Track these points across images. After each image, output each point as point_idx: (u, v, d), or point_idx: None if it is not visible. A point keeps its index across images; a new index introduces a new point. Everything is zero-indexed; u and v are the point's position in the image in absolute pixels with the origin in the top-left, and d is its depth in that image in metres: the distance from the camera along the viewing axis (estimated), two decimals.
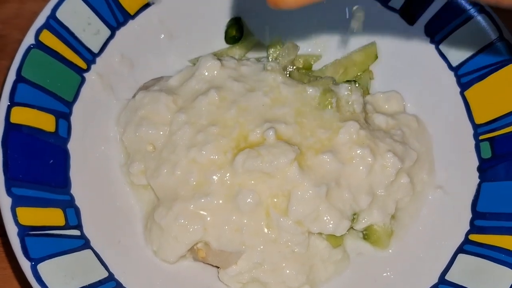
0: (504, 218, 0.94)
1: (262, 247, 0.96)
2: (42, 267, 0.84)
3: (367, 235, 1.03)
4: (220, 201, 0.96)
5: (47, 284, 0.83)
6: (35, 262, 0.84)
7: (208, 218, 0.96)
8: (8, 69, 0.97)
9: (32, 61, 0.96)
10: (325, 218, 0.94)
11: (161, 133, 1.02)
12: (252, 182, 0.95)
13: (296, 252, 0.97)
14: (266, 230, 0.96)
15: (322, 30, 1.17)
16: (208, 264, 1.00)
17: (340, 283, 1.00)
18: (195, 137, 0.99)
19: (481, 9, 1.05)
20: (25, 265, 0.84)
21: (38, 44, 0.97)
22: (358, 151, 0.98)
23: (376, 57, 1.15)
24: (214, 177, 0.96)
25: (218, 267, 0.99)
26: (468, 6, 1.05)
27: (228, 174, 0.96)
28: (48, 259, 0.85)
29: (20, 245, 0.85)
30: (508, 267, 0.89)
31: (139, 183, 1.04)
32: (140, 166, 1.02)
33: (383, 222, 1.01)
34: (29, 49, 0.96)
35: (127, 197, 1.03)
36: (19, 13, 1.30)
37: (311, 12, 1.16)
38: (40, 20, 0.99)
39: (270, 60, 1.16)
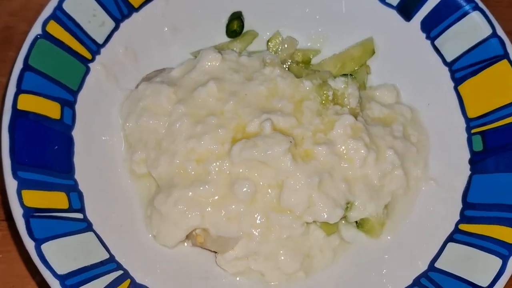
0: (493, 209, 0.97)
1: (258, 234, 0.99)
2: (45, 247, 0.87)
3: (360, 224, 1.06)
4: (218, 190, 0.99)
5: (50, 263, 0.86)
6: (39, 242, 0.87)
7: (206, 206, 0.99)
8: (15, 59, 1.00)
9: (39, 50, 0.99)
10: (318, 207, 0.97)
11: (162, 123, 1.06)
12: (248, 171, 0.98)
13: (292, 240, 1.00)
14: (262, 218, 0.99)
15: (321, 25, 1.20)
16: (206, 249, 1.03)
17: (333, 270, 1.03)
18: (194, 128, 1.02)
19: (475, 6, 1.07)
20: (30, 245, 0.87)
21: (45, 34, 1.00)
22: (353, 144, 1.01)
23: (373, 52, 1.18)
24: (212, 166, 0.99)
25: (215, 252, 1.02)
26: (463, 3, 1.08)
27: (226, 164, 0.99)
28: (51, 240, 0.88)
29: (25, 226, 0.88)
30: (496, 255, 0.92)
31: (140, 172, 1.07)
32: (141, 155, 1.06)
33: (376, 212, 1.03)
34: (36, 39, 1.00)
35: (129, 183, 1.06)
36: (26, 5, 1.33)
37: (310, 7, 1.19)
38: (47, 11, 1.02)
39: (270, 53, 1.18)
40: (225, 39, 1.21)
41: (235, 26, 1.20)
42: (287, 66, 1.17)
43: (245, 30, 1.21)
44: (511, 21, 1.34)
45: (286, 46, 1.18)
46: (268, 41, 1.20)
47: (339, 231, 1.07)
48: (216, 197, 0.99)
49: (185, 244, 1.04)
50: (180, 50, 1.18)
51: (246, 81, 1.08)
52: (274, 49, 1.19)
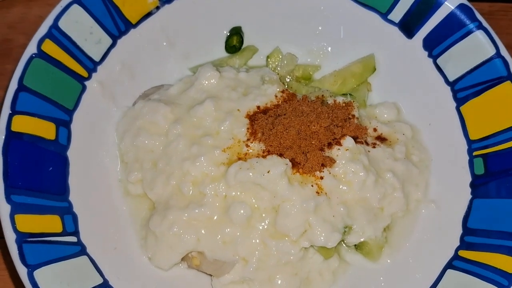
0: (493, 236, 0.95)
1: (255, 258, 0.98)
2: (38, 274, 0.86)
3: (359, 246, 1.04)
4: (214, 213, 0.98)
5: None
6: (31, 269, 0.86)
7: (202, 229, 0.98)
8: (13, 72, 0.99)
9: (34, 70, 0.98)
10: (315, 231, 0.96)
11: (158, 143, 1.04)
12: (245, 194, 0.97)
13: (289, 264, 0.99)
14: (260, 244, 0.98)
15: (321, 41, 1.18)
16: (202, 271, 1.02)
17: None
18: (190, 149, 1.01)
19: (479, 25, 1.05)
20: (22, 271, 0.86)
21: (40, 54, 0.99)
22: (351, 166, 0.99)
23: (374, 69, 1.17)
24: (208, 189, 0.98)
25: (211, 275, 1.01)
26: (467, 22, 1.06)
27: (221, 186, 0.98)
28: (44, 266, 0.88)
29: (17, 251, 0.87)
30: (494, 285, 0.91)
31: (135, 192, 1.06)
32: (137, 176, 1.04)
33: (374, 235, 1.02)
34: (31, 59, 0.98)
35: (124, 204, 1.05)
36: (25, 17, 1.33)
37: (311, 23, 1.18)
38: (43, 29, 1.01)
39: (269, 69, 1.17)
40: (224, 54, 1.20)
41: (235, 41, 1.19)
42: (286, 84, 1.16)
43: (244, 45, 1.20)
44: None
45: (285, 62, 1.17)
46: (267, 57, 1.19)
47: (339, 252, 1.05)
48: (212, 220, 0.98)
49: (181, 265, 1.03)
50: (178, 66, 1.17)
51: (242, 96, 1.07)
52: (273, 66, 1.18)
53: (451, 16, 1.07)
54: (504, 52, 1.03)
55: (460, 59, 1.06)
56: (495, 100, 1.03)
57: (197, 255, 1.00)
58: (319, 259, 1.02)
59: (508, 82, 1.02)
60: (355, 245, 1.05)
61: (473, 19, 1.05)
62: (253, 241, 0.97)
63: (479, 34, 1.05)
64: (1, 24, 1.32)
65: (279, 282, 0.99)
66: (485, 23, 1.05)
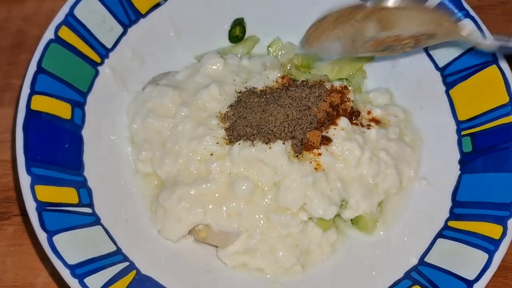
0: (480, 207, 1.02)
1: (258, 230, 1.04)
2: (57, 239, 0.92)
3: (355, 220, 1.11)
4: (219, 188, 1.04)
5: (61, 254, 0.91)
6: (50, 234, 0.93)
7: (208, 203, 1.04)
8: (27, 62, 1.06)
9: (51, 54, 1.05)
10: (314, 204, 1.02)
11: (166, 125, 1.11)
12: (248, 170, 1.03)
13: (289, 236, 1.05)
14: (263, 218, 1.04)
15: None
16: (208, 244, 1.08)
17: (328, 264, 1.08)
18: (196, 129, 1.08)
19: (466, 14, 1.12)
20: (42, 236, 0.92)
21: (57, 39, 1.06)
22: (347, 145, 1.06)
23: (370, 57, 1.23)
24: (213, 166, 1.05)
25: (217, 246, 1.08)
26: (455, 11, 1.13)
27: (226, 163, 1.05)
28: (62, 232, 0.94)
29: (37, 218, 0.93)
30: (482, 250, 0.97)
31: (145, 170, 1.12)
32: (147, 155, 1.11)
33: (370, 209, 1.08)
34: (49, 43, 1.05)
35: (135, 181, 1.11)
36: (38, 11, 1.39)
37: (309, 15, 1.25)
38: (59, 17, 1.07)
39: (270, 57, 1.24)
40: (227, 44, 1.27)
41: (237, 31, 1.25)
42: (287, 71, 1.23)
43: (246, 35, 1.26)
44: (503, 28, 1.40)
45: (286, 51, 1.24)
46: (268, 46, 1.26)
47: (337, 227, 1.12)
48: (217, 195, 1.04)
49: (188, 239, 1.09)
50: (184, 54, 1.24)
51: (245, 81, 1.14)
52: (274, 54, 1.25)
53: (440, 6, 1.14)
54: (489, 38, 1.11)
55: (449, 46, 1.13)
56: (482, 83, 1.10)
57: (203, 228, 1.06)
58: (319, 232, 1.08)
59: (494, 66, 1.09)
60: (351, 220, 1.11)
61: (461, 8, 1.13)
62: (256, 214, 1.04)
63: (466, 22, 1.12)
64: (15, 17, 1.38)
65: (280, 253, 1.05)
66: (472, 12, 1.12)
